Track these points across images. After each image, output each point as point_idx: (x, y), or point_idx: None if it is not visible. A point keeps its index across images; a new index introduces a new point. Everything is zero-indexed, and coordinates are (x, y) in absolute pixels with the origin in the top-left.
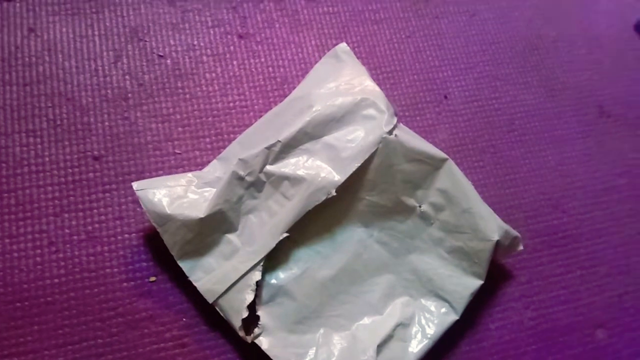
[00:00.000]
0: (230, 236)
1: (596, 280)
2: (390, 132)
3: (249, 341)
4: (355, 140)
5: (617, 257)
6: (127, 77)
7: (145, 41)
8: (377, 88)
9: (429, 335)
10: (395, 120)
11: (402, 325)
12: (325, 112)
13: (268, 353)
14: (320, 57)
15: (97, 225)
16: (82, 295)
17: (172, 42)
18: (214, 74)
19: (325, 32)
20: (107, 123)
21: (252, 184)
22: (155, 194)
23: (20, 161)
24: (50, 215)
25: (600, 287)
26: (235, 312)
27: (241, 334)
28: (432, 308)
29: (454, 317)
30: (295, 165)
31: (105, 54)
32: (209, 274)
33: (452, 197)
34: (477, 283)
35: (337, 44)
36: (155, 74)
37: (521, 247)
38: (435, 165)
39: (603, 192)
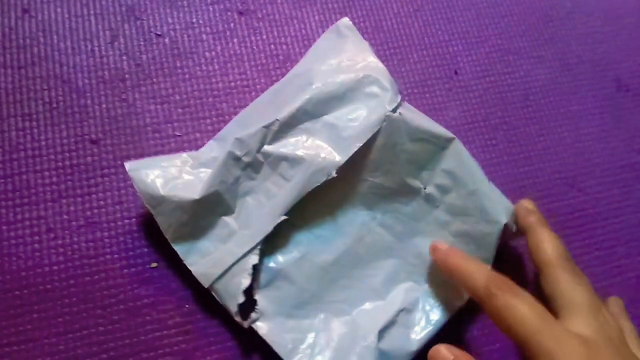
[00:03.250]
0: (227, 218)
1: (614, 262)
2: (394, 110)
3: (246, 326)
4: (358, 119)
5: (636, 237)
6: (124, 57)
7: (143, 20)
8: (380, 64)
9: (433, 322)
10: (399, 97)
11: (406, 310)
12: (325, 89)
13: (265, 338)
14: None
15: (96, 211)
16: (82, 283)
17: (170, 20)
18: (213, 53)
19: (329, 7)
20: (104, 105)
21: (249, 164)
22: (148, 175)
23: (16, 146)
24: (47, 201)
25: (618, 268)
26: (231, 297)
27: (237, 319)
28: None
29: (460, 302)
30: (294, 145)
31: (101, 33)
32: (204, 258)
33: (458, 178)
34: None
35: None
36: (153, 54)
37: None
38: (441, 145)
39: (621, 170)
